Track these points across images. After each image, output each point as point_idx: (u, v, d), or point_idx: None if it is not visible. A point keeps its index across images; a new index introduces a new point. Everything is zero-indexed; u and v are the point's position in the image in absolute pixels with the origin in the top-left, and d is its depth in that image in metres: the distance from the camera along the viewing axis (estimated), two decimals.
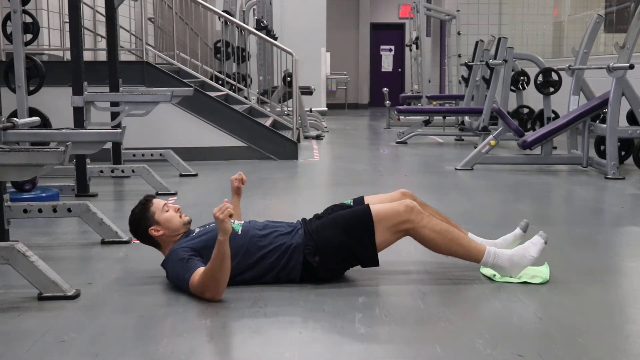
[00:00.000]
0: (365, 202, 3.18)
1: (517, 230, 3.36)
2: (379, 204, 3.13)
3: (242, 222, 3.11)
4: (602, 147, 6.53)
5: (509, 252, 3.07)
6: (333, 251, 2.98)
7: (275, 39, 10.10)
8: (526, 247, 3.10)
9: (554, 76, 7.89)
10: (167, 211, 3.04)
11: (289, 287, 2.96)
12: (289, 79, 8.90)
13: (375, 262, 3.03)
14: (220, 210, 2.66)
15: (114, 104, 5.81)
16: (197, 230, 3.06)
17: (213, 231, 2.91)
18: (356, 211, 3.08)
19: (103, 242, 3.73)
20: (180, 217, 3.06)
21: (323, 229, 3.02)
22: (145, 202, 3.08)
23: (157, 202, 3.07)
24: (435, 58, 16.70)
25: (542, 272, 3.13)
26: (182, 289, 2.87)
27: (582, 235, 4.08)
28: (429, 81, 13.09)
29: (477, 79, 10.19)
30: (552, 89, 7.85)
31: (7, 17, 5.34)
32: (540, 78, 7.87)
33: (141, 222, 3.05)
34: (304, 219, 3.16)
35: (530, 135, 6.84)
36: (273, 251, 2.97)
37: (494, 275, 3.08)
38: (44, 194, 4.73)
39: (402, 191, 3.31)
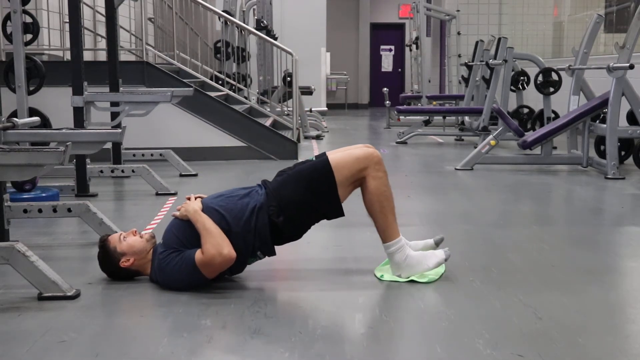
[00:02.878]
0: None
1: (430, 241, 3.29)
2: (338, 152, 3.07)
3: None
4: (602, 147, 6.53)
5: (410, 252, 3.05)
6: (296, 209, 2.95)
7: (275, 39, 10.10)
8: (427, 255, 3.07)
9: (554, 76, 7.89)
10: (125, 238, 3.02)
11: (289, 287, 2.96)
12: (289, 79, 8.90)
13: (340, 213, 3.00)
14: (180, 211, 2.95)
15: (114, 104, 5.80)
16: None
17: (173, 225, 3.00)
18: (315, 164, 3.02)
19: None
20: (141, 237, 3.04)
21: (284, 188, 2.98)
22: (103, 243, 3.04)
23: (113, 237, 3.05)
24: (435, 58, 16.70)
25: (436, 273, 3.09)
26: (189, 282, 2.85)
27: (582, 235, 4.08)
28: (429, 81, 13.09)
29: (477, 79, 10.19)
30: (552, 89, 7.85)
31: (7, 17, 5.34)
32: (540, 78, 7.87)
33: (109, 262, 3.03)
34: (264, 180, 3.11)
35: (530, 135, 6.84)
36: (241, 212, 2.93)
37: (382, 276, 3.07)
38: (44, 194, 4.73)
39: (366, 145, 3.21)
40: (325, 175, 2.95)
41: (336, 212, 3.00)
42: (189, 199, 3.06)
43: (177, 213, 3.00)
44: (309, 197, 2.95)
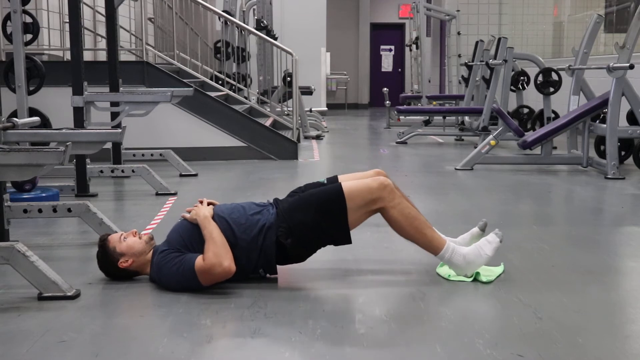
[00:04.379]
0: (339, 181, 3.13)
1: (474, 230, 3.33)
2: (352, 181, 3.09)
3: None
4: (602, 147, 6.53)
5: (464, 251, 3.07)
6: (306, 232, 2.96)
7: (275, 39, 10.10)
8: (481, 245, 3.10)
9: (554, 76, 7.89)
10: (125, 239, 3.02)
11: (289, 287, 2.96)
12: (289, 79, 8.90)
13: (347, 240, 3.02)
14: (190, 214, 2.98)
15: (114, 104, 5.80)
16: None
17: (180, 226, 3.01)
18: (328, 190, 3.04)
19: None
20: (140, 238, 3.04)
21: (295, 210, 2.99)
22: (102, 243, 3.05)
23: (113, 237, 3.05)
24: (435, 58, 16.69)
25: (494, 272, 3.11)
26: (184, 285, 2.86)
27: (582, 235, 4.08)
28: (429, 81, 13.10)
29: (477, 79, 10.19)
30: (552, 89, 7.85)
31: (7, 17, 5.34)
32: (540, 78, 7.87)
33: (108, 261, 3.03)
34: (275, 199, 3.14)
35: (530, 135, 6.84)
36: (250, 228, 2.95)
37: (449, 275, 3.08)
38: (44, 194, 4.73)
39: (377, 170, 3.26)
40: (337, 202, 2.97)
41: (344, 239, 3.02)
42: (201, 202, 3.06)
43: (187, 215, 3.00)
44: (319, 221, 2.96)
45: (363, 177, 3.16)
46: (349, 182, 3.05)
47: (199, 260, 2.84)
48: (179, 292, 2.87)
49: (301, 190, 3.17)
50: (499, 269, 3.16)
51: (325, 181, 3.19)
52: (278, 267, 3.03)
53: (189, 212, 3.03)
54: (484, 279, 3.04)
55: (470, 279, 3.04)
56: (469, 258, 3.05)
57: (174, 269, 2.88)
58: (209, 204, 3.08)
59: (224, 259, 2.82)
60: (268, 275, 3.05)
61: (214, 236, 2.88)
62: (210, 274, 2.83)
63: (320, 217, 2.96)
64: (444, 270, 3.12)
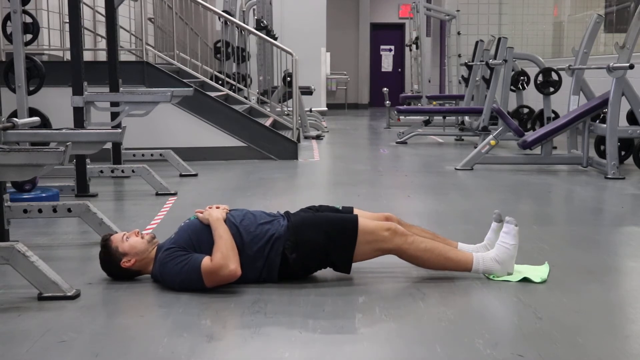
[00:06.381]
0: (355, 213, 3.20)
1: (493, 224, 3.33)
2: (368, 219, 3.14)
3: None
4: (602, 147, 6.53)
5: (492, 254, 3.10)
6: (311, 251, 2.99)
7: (275, 39, 10.10)
8: (502, 240, 3.11)
9: (554, 76, 7.89)
10: (128, 238, 3.03)
11: (289, 287, 2.96)
12: (289, 79, 8.90)
13: (347, 270, 3.05)
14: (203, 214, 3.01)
15: (114, 104, 5.80)
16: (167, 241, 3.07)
17: (190, 225, 3.01)
18: (344, 218, 3.09)
19: None
20: (142, 237, 3.05)
21: (307, 226, 3.02)
22: (105, 242, 3.06)
23: (115, 237, 3.06)
24: (435, 58, 16.69)
25: (541, 271, 3.14)
26: (187, 284, 2.85)
27: (582, 235, 4.08)
28: (429, 81, 13.10)
29: (477, 79, 10.19)
30: (552, 89, 7.85)
31: (7, 17, 5.34)
32: (540, 78, 7.87)
33: (111, 261, 3.04)
34: (287, 212, 3.16)
35: (530, 135, 6.84)
36: (259, 237, 2.97)
37: (493, 276, 3.09)
38: (44, 194, 4.73)
39: (387, 215, 3.30)
40: (350, 232, 3.01)
41: (345, 267, 3.05)
42: (217, 207, 3.08)
43: (200, 215, 3.02)
44: (326, 244, 2.99)
45: (372, 218, 3.21)
46: (365, 220, 3.09)
47: (206, 260, 2.85)
48: (179, 292, 2.87)
49: (316, 209, 3.22)
50: (544, 267, 3.19)
51: (341, 208, 3.26)
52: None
53: (202, 212, 3.04)
54: (537, 279, 3.04)
55: (517, 279, 3.04)
56: (500, 258, 3.08)
57: (178, 268, 2.88)
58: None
59: (231, 262, 2.84)
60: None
61: (225, 238, 2.90)
62: (216, 276, 2.84)
63: (328, 240, 2.99)
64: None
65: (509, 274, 3.08)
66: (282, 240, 2.98)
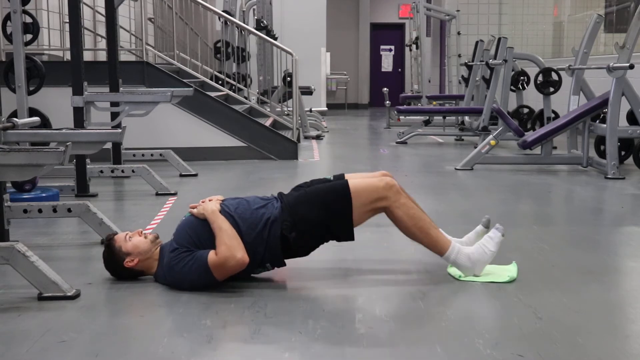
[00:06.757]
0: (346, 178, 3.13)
1: (479, 227, 3.32)
2: (358, 179, 3.10)
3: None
4: (602, 147, 6.53)
5: (468, 251, 3.08)
6: (310, 227, 2.97)
7: (275, 39, 10.10)
8: (484, 242, 3.10)
9: (554, 76, 7.89)
10: (131, 238, 3.02)
11: (289, 287, 2.96)
12: (289, 79, 8.90)
13: (350, 237, 3.02)
14: (197, 209, 2.99)
15: (114, 104, 5.80)
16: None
17: (186, 223, 3.00)
18: (334, 185, 3.05)
19: (103, 242, 3.72)
20: (145, 237, 3.04)
21: (300, 204, 3.00)
22: (108, 242, 3.05)
23: (119, 237, 3.05)
24: (435, 58, 16.70)
25: (510, 270, 3.12)
26: (197, 283, 2.85)
27: (582, 235, 4.08)
28: (429, 81, 13.09)
29: (477, 79, 10.19)
30: (552, 89, 7.85)
31: (7, 17, 5.34)
32: (540, 78, 7.87)
33: (114, 261, 3.03)
34: (280, 193, 3.14)
35: (530, 135, 6.84)
36: (255, 223, 2.95)
37: (460, 275, 3.07)
38: (44, 194, 4.73)
39: (383, 172, 3.26)
40: (343, 198, 2.97)
41: (348, 235, 3.02)
42: (210, 200, 3.06)
43: (194, 210, 3.00)
44: (323, 217, 2.97)
45: (369, 177, 3.17)
46: (356, 180, 3.06)
47: (211, 255, 2.83)
48: (179, 292, 2.87)
49: (307, 185, 3.17)
50: (512, 267, 3.16)
51: (332, 178, 3.19)
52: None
53: (195, 207, 3.02)
54: (505, 279, 3.03)
55: (483, 280, 3.02)
56: (473, 257, 3.06)
57: (186, 269, 2.87)
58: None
59: (237, 251, 2.82)
60: (276, 267, 3.04)
61: (225, 229, 2.88)
62: (224, 268, 2.83)
63: (324, 212, 2.96)
64: (455, 271, 3.11)
65: (475, 276, 3.06)
66: (279, 221, 2.95)
